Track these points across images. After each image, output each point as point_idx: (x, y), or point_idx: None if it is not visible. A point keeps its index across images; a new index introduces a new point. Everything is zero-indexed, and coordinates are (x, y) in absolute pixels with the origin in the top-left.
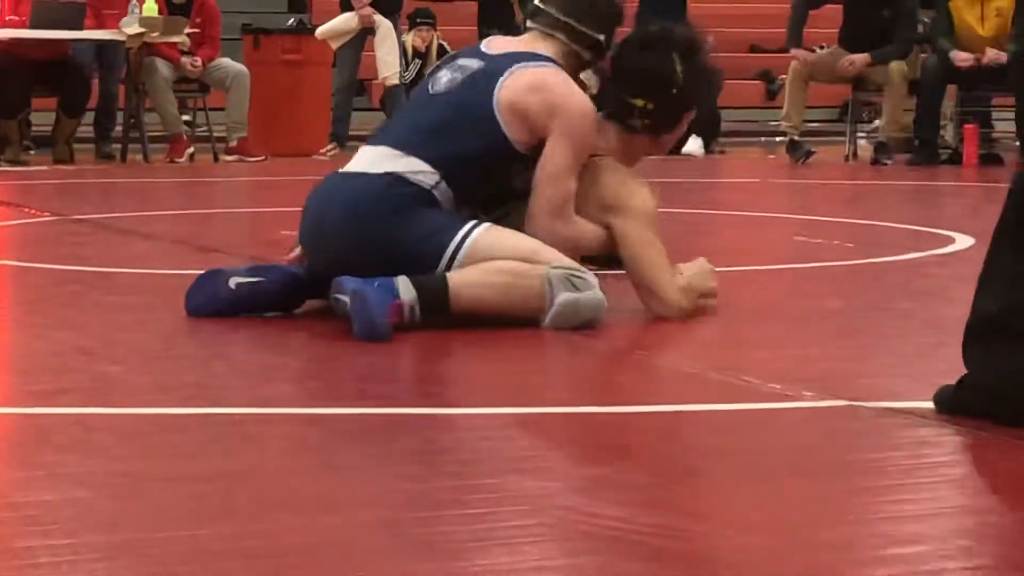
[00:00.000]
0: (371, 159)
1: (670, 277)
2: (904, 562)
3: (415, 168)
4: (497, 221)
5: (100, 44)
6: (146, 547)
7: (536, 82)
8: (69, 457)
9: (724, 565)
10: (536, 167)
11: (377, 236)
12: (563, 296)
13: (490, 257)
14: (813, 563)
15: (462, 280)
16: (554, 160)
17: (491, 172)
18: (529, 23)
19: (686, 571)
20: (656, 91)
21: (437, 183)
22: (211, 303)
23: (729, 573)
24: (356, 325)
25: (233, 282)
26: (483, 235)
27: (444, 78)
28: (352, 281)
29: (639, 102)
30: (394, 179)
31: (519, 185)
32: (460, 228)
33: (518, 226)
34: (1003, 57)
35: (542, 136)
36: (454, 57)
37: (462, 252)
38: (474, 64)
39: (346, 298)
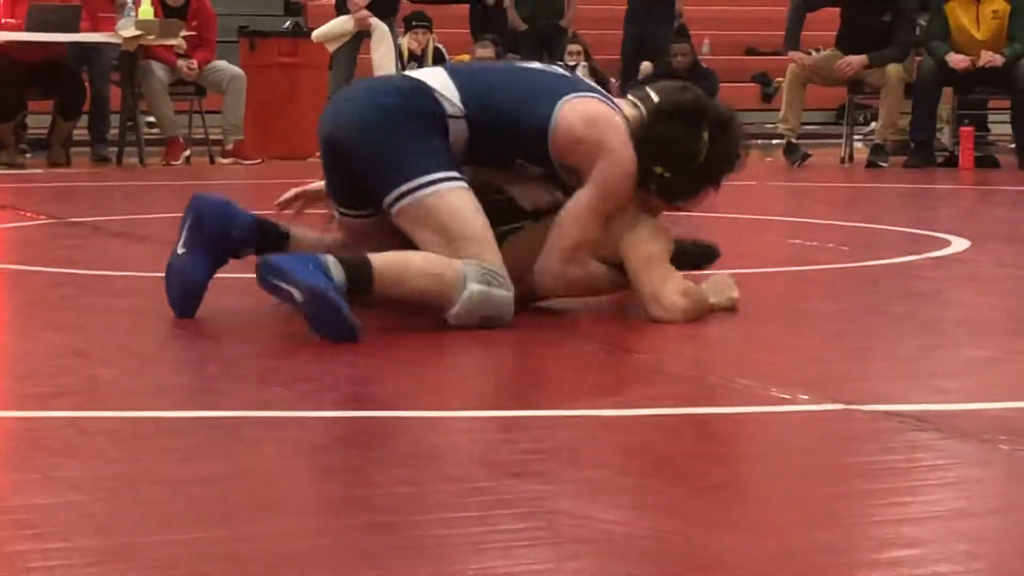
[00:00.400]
0: (419, 72)
1: (670, 284)
2: (899, 565)
3: (449, 93)
4: (507, 235)
5: (86, 47)
6: (140, 551)
7: (599, 118)
8: (63, 460)
9: (719, 568)
10: (564, 204)
11: (378, 132)
12: (472, 287)
13: (436, 219)
14: (808, 566)
15: (385, 263)
16: (583, 204)
17: (511, 150)
18: (629, 95)
19: (683, 574)
20: (677, 162)
21: (457, 117)
22: (183, 280)
23: None
24: (324, 330)
25: (178, 248)
26: (448, 195)
27: (533, 62)
28: (296, 270)
29: (658, 169)
30: (423, 89)
31: (526, 205)
32: (436, 171)
33: (529, 244)
34: (998, 59)
35: (578, 167)
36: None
37: (419, 195)
38: (563, 70)
39: (293, 291)
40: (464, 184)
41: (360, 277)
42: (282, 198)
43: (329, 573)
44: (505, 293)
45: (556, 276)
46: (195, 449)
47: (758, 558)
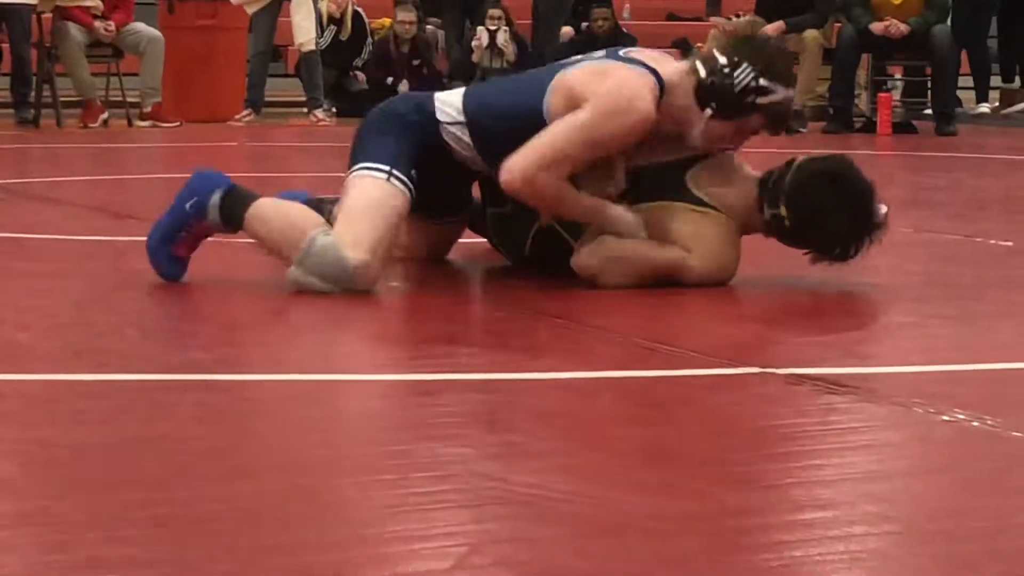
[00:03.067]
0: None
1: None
2: (813, 527)
3: (451, 101)
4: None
5: (1, 9)
6: (56, 514)
7: (598, 70)
8: None
9: (636, 531)
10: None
11: (365, 127)
12: (295, 277)
13: (349, 196)
14: (723, 528)
15: (261, 208)
16: (577, 117)
17: (516, 141)
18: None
19: (597, 537)
20: (801, 218)
21: (459, 123)
22: None
23: (640, 538)
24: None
25: None
26: (367, 181)
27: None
28: (174, 206)
29: (783, 210)
30: (422, 101)
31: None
32: (376, 161)
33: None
34: (903, 28)
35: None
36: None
37: (352, 175)
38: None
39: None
40: (390, 181)
41: (232, 214)
42: None
43: (245, 537)
44: (346, 257)
45: (523, 172)
46: (111, 412)
47: (673, 520)
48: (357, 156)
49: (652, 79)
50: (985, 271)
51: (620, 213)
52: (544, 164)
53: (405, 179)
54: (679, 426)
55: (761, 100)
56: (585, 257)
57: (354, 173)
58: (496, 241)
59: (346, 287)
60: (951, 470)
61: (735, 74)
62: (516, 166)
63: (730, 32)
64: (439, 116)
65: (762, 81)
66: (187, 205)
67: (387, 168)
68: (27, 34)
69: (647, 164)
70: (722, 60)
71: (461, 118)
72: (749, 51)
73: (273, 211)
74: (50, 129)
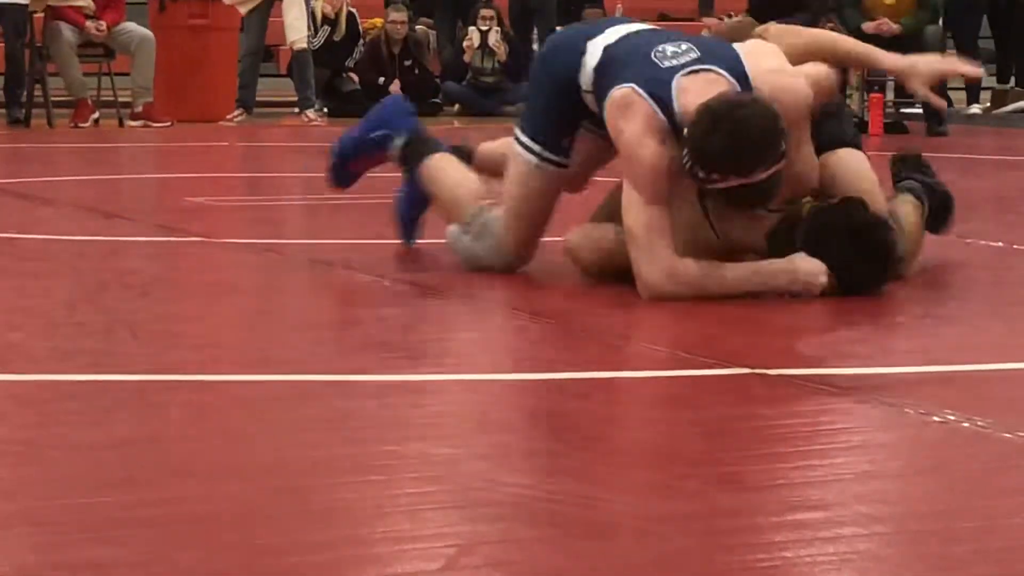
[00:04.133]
0: (599, 38)
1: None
2: (803, 528)
3: (588, 67)
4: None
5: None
6: (44, 515)
7: (619, 107)
8: None
9: (627, 532)
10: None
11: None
12: (459, 239)
13: (508, 171)
14: (714, 529)
15: (437, 162)
16: (627, 212)
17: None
18: None
19: (588, 538)
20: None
21: (588, 92)
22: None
23: (632, 539)
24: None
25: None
26: (519, 161)
27: (669, 50)
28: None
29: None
30: (571, 56)
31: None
32: (529, 135)
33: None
34: (894, 28)
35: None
36: (695, 43)
37: (515, 145)
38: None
39: None
40: (539, 167)
41: (410, 160)
42: None
43: (236, 537)
44: (473, 248)
45: (652, 273)
46: (101, 413)
47: (664, 520)
48: (523, 116)
49: (661, 120)
50: (976, 272)
51: (781, 266)
52: (648, 254)
53: (554, 157)
54: (670, 427)
55: (716, 185)
56: (571, 239)
57: (514, 147)
58: None
59: (494, 263)
60: (942, 471)
61: (682, 158)
62: (642, 277)
63: (723, 32)
64: (581, 83)
65: (699, 173)
66: (373, 135)
67: (537, 149)
68: (21, 33)
69: None
70: (684, 132)
71: (588, 88)
72: (695, 137)
73: (443, 173)
74: (41, 129)
